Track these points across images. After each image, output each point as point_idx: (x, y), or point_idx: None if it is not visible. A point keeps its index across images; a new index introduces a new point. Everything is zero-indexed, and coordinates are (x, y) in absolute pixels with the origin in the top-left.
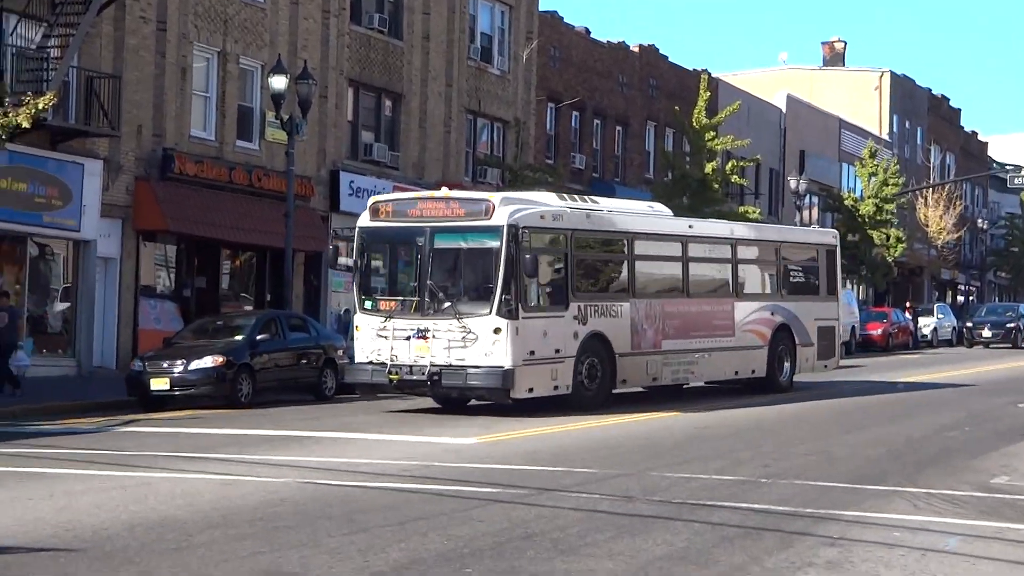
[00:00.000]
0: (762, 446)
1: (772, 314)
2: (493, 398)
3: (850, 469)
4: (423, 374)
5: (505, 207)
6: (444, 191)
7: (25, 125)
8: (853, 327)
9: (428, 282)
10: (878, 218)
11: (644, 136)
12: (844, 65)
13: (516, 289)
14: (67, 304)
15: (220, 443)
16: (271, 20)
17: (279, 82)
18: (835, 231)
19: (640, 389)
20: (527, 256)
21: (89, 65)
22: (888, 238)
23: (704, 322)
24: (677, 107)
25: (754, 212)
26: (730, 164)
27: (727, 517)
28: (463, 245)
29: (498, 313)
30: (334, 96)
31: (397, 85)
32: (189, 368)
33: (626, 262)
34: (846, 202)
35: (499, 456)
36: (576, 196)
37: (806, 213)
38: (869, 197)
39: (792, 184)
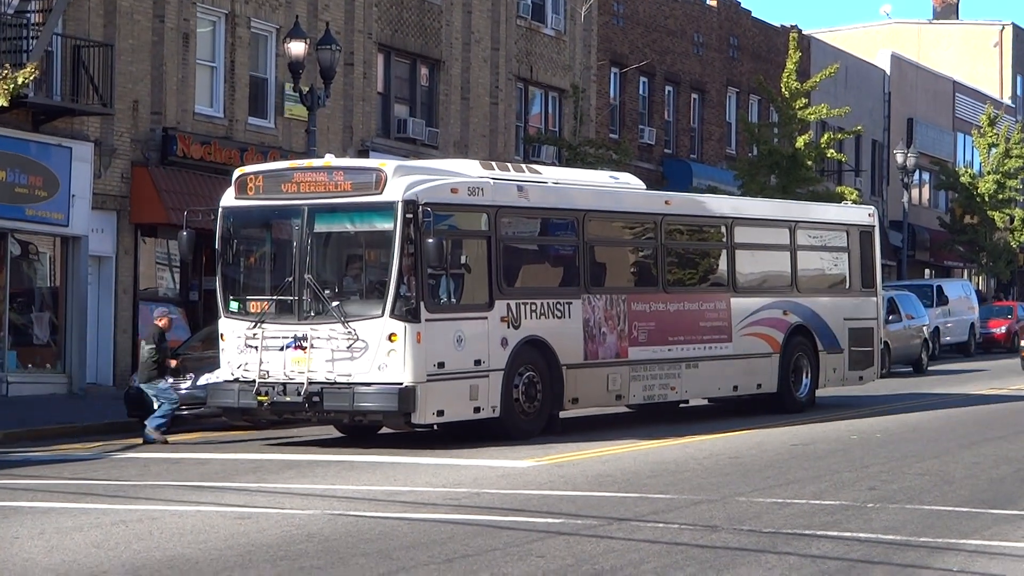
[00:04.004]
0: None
1: (784, 313)
2: (389, 424)
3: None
4: (299, 394)
5: (401, 178)
6: (327, 159)
7: (2, 103)
8: (972, 324)
9: (306, 276)
10: (1000, 197)
11: (724, 105)
12: (958, 18)
13: (418, 283)
14: (55, 311)
15: (236, 470)
16: None
17: (297, 48)
18: (871, 207)
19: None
20: (430, 240)
21: (76, 32)
22: (1012, 220)
23: (688, 324)
24: (761, 74)
25: (852, 193)
26: (825, 136)
27: (827, 548)
28: (349, 228)
29: (393, 314)
30: (361, 64)
31: (435, 50)
32: (199, 383)
33: (577, 248)
34: (962, 179)
35: (560, 481)
36: (512, 166)
37: (915, 192)
38: (989, 172)
39: (899, 158)
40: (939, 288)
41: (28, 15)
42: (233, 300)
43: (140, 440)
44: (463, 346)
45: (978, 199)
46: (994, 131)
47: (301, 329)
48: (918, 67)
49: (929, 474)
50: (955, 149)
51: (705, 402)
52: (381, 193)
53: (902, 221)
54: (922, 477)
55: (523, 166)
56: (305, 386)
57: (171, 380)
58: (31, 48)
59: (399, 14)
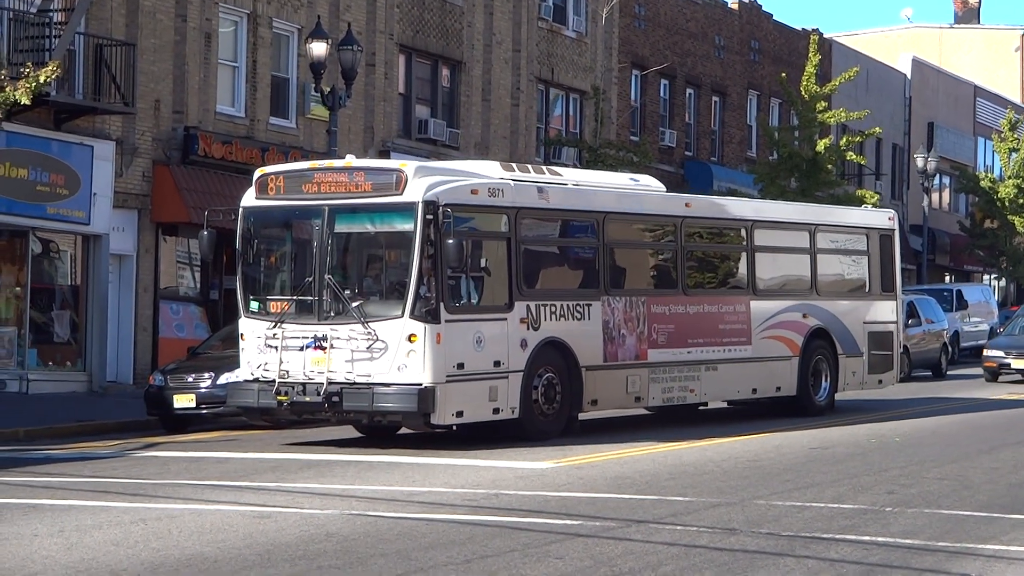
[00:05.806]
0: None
1: (804, 316)
2: (408, 424)
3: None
4: (318, 394)
5: (421, 179)
6: (347, 159)
7: (24, 101)
8: (991, 329)
9: (326, 276)
10: (1021, 201)
11: (745, 108)
12: (979, 22)
13: (437, 284)
14: (75, 309)
15: (255, 469)
16: None
17: (319, 49)
18: (891, 211)
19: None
20: (450, 241)
21: (98, 31)
22: None
23: (708, 326)
24: (784, 73)
25: (873, 197)
26: (844, 139)
27: (846, 552)
28: (370, 228)
29: (413, 315)
30: (383, 64)
31: (456, 51)
32: (218, 382)
33: (597, 249)
34: (983, 183)
35: (579, 483)
36: (532, 167)
37: (935, 196)
38: (1010, 177)
39: (919, 162)
40: (959, 292)
41: (51, 14)
42: (253, 300)
43: (159, 438)
44: (482, 347)
45: (998, 203)
46: (1015, 136)
47: (321, 329)
48: (939, 71)
49: (948, 479)
50: (976, 153)
51: (724, 405)
52: (401, 194)
53: (922, 225)
54: (941, 482)
55: (543, 168)
56: (325, 386)
57: None
58: (53, 47)
59: (421, 15)
